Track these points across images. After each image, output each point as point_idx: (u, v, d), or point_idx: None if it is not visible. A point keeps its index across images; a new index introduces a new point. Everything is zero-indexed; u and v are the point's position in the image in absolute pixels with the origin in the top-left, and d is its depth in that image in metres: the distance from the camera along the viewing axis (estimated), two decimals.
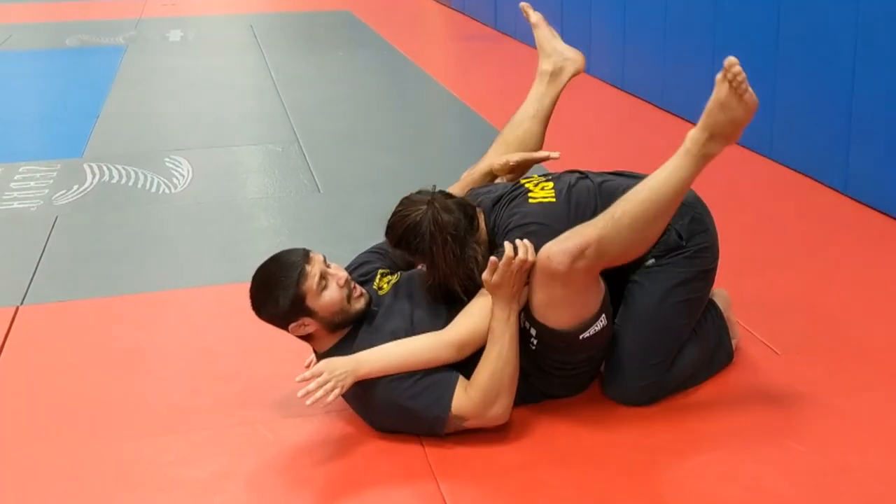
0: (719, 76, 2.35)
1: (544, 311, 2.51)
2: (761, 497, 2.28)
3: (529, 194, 2.72)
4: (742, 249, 3.70)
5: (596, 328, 2.54)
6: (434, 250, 2.58)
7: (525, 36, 8.67)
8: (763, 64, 4.91)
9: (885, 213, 4.11)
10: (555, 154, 3.02)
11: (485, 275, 2.46)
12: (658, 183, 2.45)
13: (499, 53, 8.54)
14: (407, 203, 2.65)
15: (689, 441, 2.53)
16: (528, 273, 2.47)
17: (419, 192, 2.68)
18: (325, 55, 8.71)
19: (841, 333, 3.09)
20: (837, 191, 4.40)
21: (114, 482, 2.44)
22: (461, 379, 2.51)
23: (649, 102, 6.07)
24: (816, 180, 4.56)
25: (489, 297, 2.51)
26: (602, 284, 2.56)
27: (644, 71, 6.11)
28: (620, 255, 2.51)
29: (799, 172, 4.69)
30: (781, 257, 3.73)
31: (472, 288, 2.60)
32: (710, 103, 2.39)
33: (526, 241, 2.45)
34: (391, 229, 2.67)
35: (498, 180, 3.03)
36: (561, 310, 2.50)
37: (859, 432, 2.54)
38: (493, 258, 2.44)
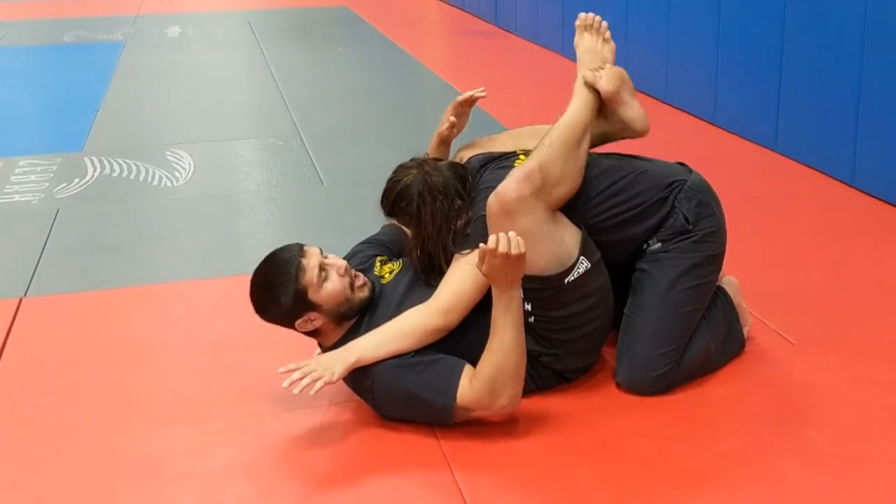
0: (577, 34, 2.86)
1: None
2: (782, 487, 2.25)
3: (517, 161, 2.71)
4: (752, 242, 3.67)
5: (579, 270, 2.51)
6: (422, 210, 2.59)
7: (526, 31, 8.66)
8: (768, 55, 4.89)
9: (892, 204, 4.09)
10: (479, 91, 3.03)
11: (476, 263, 2.41)
12: (570, 118, 2.66)
13: (500, 49, 8.51)
14: (399, 170, 2.72)
15: (705, 430, 2.50)
16: (520, 263, 2.37)
17: (411, 160, 2.73)
18: (324, 51, 8.67)
19: (853, 324, 3.07)
20: (845, 183, 4.38)
21: (124, 473, 2.41)
22: (467, 368, 2.47)
23: (651, 96, 6.04)
24: (824, 173, 4.53)
25: (471, 260, 2.48)
26: (573, 225, 2.56)
27: (646, 64, 6.08)
28: (560, 178, 2.52)
29: (806, 165, 4.67)
30: (791, 249, 3.71)
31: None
32: (580, 54, 2.83)
33: (512, 233, 2.36)
34: (385, 196, 2.71)
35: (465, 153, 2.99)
36: (533, 248, 2.42)
37: (878, 423, 2.51)
38: (482, 246, 2.36)
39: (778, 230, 3.91)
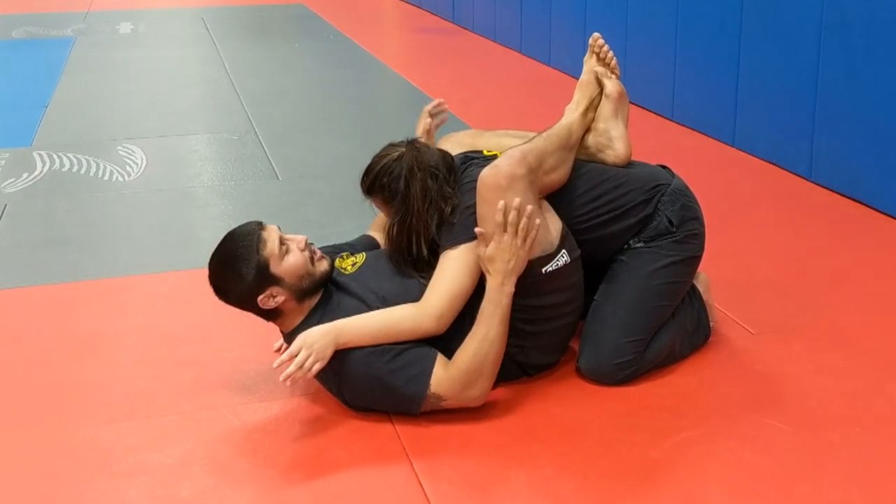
0: (588, 52, 2.82)
1: None
2: (744, 474, 2.23)
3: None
4: (712, 234, 3.63)
5: (558, 263, 2.49)
6: (411, 185, 2.54)
7: (484, 29, 8.64)
8: (726, 51, 4.90)
9: (850, 198, 4.11)
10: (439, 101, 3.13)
11: (478, 248, 2.38)
12: (566, 124, 2.69)
13: (457, 45, 8.48)
14: (387, 147, 2.67)
15: (667, 419, 2.47)
16: (527, 245, 2.41)
17: (400, 141, 2.68)
18: (279, 47, 8.59)
19: (814, 314, 3.07)
20: (803, 177, 4.40)
21: (74, 468, 2.33)
22: (440, 357, 2.44)
23: None
24: (781, 167, 4.56)
25: (461, 259, 2.47)
26: (556, 216, 2.55)
27: None
28: (553, 167, 2.55)
29: (764, 160, 4.68)
30: (750, 241, 3.71)
31: (435, 245, 2.55)
32: (585, 76, 2.80)
33: (529, 207, 2.39)
34: (368, 171, 2.64)
35: None
36: None
37: (840, 410, 2.51)
38: (479, 229, 2.37)
39: (737, 223, 3.90)
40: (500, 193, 2.41)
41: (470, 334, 2.43)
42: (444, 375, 2.41)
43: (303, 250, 2.51)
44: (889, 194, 3.91)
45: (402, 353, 2.43)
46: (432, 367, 2.42)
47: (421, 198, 2.53)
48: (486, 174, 2.44)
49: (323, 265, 2.55)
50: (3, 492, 2.25)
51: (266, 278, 2.47)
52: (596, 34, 2.83)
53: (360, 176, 2.66)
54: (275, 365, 2.40)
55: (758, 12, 4.66)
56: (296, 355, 2.37)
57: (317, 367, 2.37)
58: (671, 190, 2.70)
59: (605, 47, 2.81)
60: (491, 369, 2.44)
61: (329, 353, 2.39)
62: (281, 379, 2.37)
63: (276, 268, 2.47)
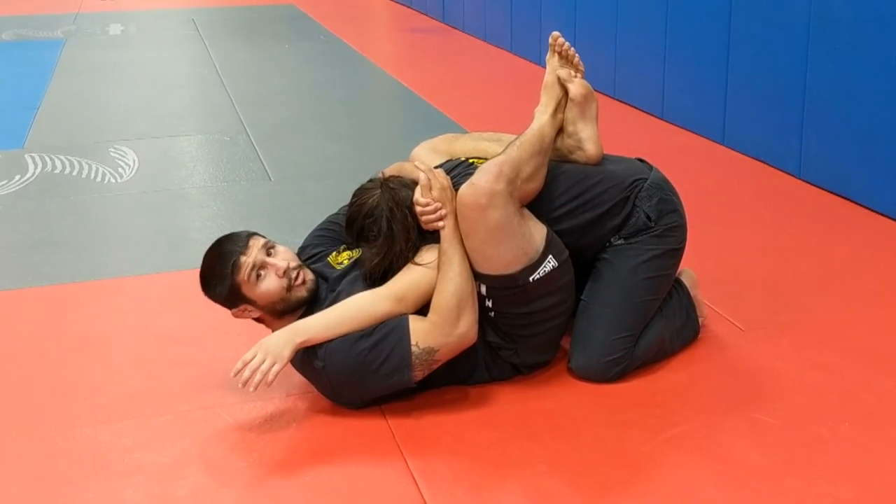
0: (549, 52, 2.77)
1: (485, 254, 2.47)
2: (734, 469, 2.26)
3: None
4: (701, 232, 3.67)
5: (546, 268, 2.51)
6: (393, 226, 2.54)
7: (474, 29, 8.66)
8: (715, 50, 4.93)
9: (838, 195, 4.14)
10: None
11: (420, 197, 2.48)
12: (538, 128, 2.66)
13: (447, 45, 8.50)
14: (360, 193, 2.65)
15: (659, 416, 2.49)
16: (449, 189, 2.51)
17: (370, 181, 2.67)
18: (270, 48, 8.60)
19: (802, 310, 3.10)
20: (792, 175, 4.43)
21: (70, 469, 2.34)
22: (412, 317, 2.46)
23: (600, 92, 6.05)
24: (771, 165, 4.59)
25: (429, 257, 2.50)
26: (539, 222, 2.56)
27: (594, 60, 6.09)
28: (530, 175, 2.54)
29: (753, 158, 4.72)
30: (739, 239, 3.74)
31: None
32: (548, 77, 2.74)
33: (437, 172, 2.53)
34: (351, 222, 2.63)
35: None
36: (500, 245, 2.46)
37: (828, 405, 2.53)
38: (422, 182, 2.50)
39: (726, 220, 3.93)
40: (479, 212, 2.43)
41: (439, 279, 2.46)
42: (426, 327, 2.43)
43: (281, 277, 2.52)
44: (877, 191, 3.94)
45: (376, 329, 2.44)
46: (407, 329, 2.43)
47: (403, 239, 2.54)
48: (465, 192, 2.45)
49: (300, 292, 2.56)
50: (0, 492, 2.27)
51: (238, 298, 2.55)
52: (555, 33, 2.79)
53: (345, 225, 2.65)
54: (232, 374, 2.41)
55: (746, 11, 4.69)
56: (249, 362, 2.40)
57: (275, 368, 2.39)
58: (648, 185, 2.70)
59: (567, 45, 2.78)
60: (470, 301, 2.46)
61: (287, 353, 2.41)
62: (240, 385, 2.39)
63: (249, 292, 2.53)
